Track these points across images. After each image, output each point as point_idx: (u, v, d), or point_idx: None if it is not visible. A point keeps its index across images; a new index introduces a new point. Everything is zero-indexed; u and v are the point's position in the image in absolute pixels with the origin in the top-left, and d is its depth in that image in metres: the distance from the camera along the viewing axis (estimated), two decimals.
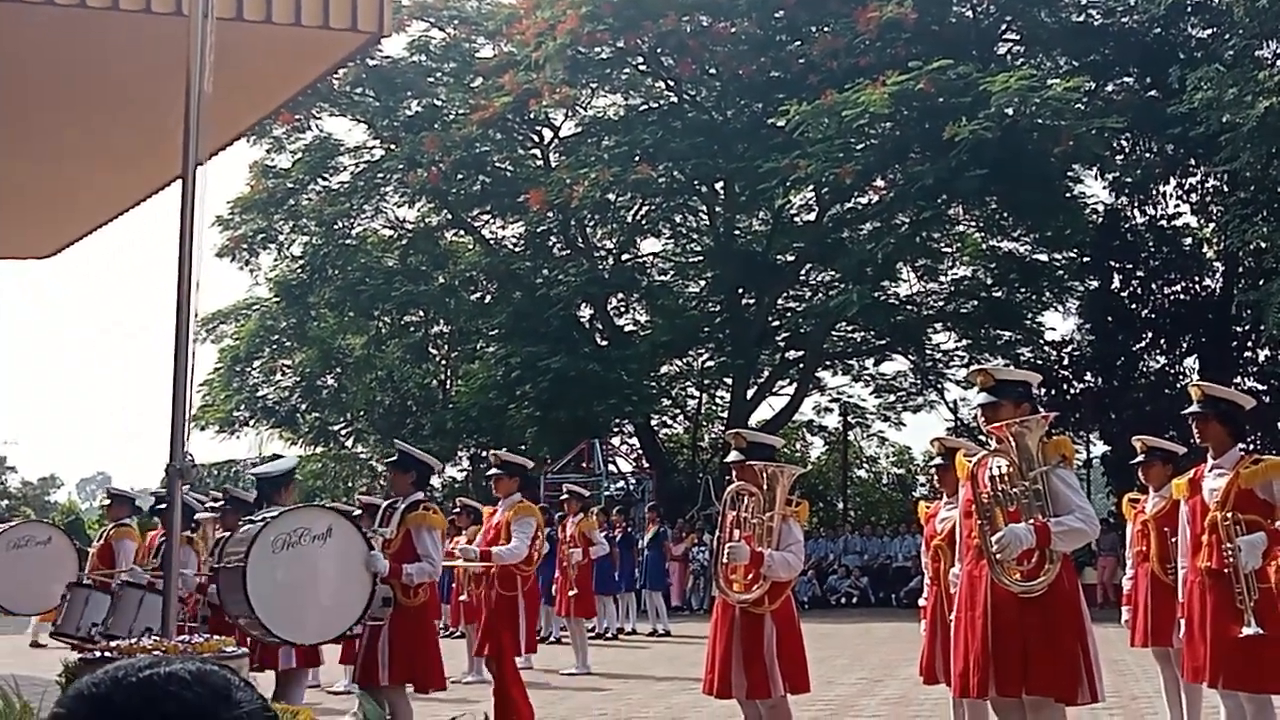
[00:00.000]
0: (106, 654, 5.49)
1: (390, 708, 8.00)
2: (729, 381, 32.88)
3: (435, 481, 30.04)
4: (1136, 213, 31.27)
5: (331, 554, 7.59)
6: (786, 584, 7.22)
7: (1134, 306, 30.67)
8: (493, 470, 10.03)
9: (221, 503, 10.56)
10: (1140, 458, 8.92)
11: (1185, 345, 30.48)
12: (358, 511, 12.26)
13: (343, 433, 35.65)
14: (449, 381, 35.67)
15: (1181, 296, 30.63)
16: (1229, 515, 6.73)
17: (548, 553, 16.84)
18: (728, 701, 7.47)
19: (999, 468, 6.02)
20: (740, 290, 31.68)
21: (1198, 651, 6.85)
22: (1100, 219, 30.80)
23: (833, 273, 30.91)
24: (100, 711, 1.39)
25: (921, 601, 8.41)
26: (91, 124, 6.79)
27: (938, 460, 8.15)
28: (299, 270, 32.55)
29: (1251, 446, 7.29)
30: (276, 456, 30.76)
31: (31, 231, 9.27)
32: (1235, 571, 6.65)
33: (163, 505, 11.22)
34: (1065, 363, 31.68)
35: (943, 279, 32.82)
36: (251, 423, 34.41)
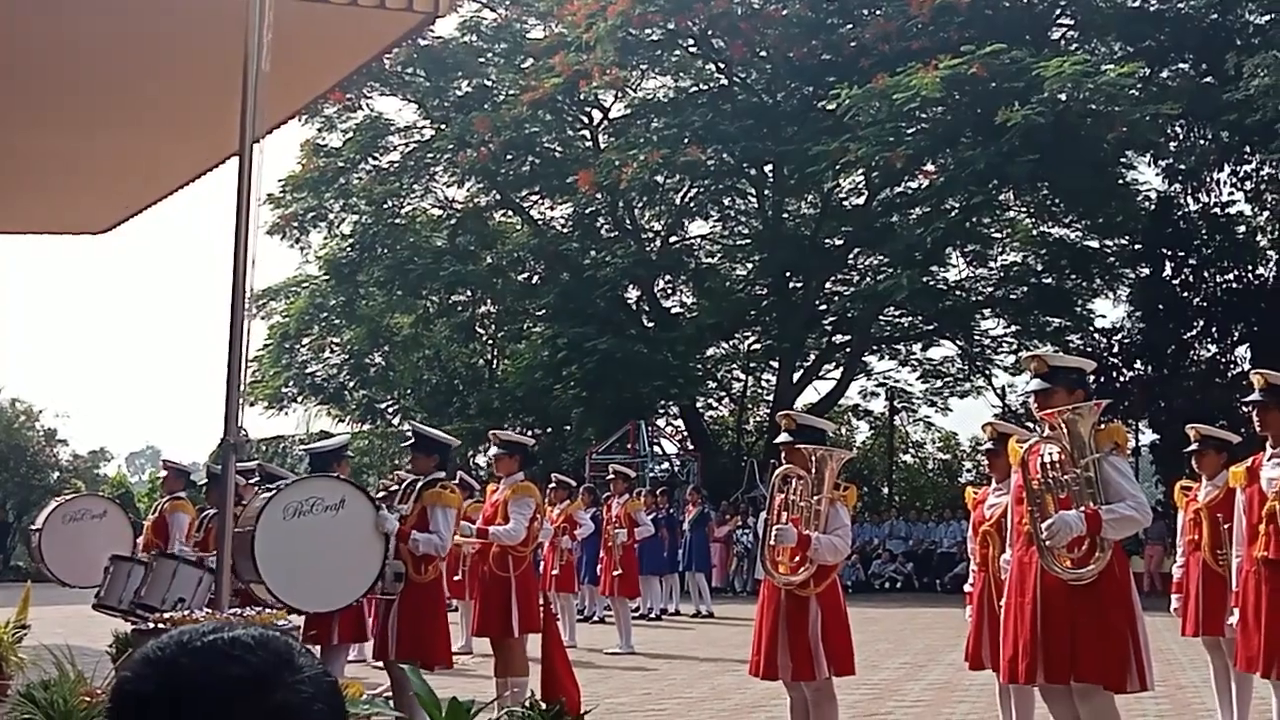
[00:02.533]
0: (160, 625, 5.55)
1: (395, 683, 8.05)
2: (775, 365, 32.83)
3: (481, 460, 30.15)
4: (1189, 200, 30.95)
5: (344, 524, 7.61)
6: (833, 567, 7.21)
7: (1185, 295, 30.36)
8: (494, 450, 10.01)
9: (256, 479, 10.64)
10: (1194, 446, 8.84)
11: (1236, 334, 30.16)
12: (395, 487, 12.31)
13: (390, 411, 35.83)
14: (496, 361, 35.80)
15: (1234, 285, 30.30)
16: None
17: (592, 533, 16.97)
18: (772, 683, 7.47)
19: (1051, 454, 5.99)
20: (788, 273, 31.60)
21: (1252, 641, 6.80)
22: (1153, 206, 30.51)
23: (881, 257, 30.79)
24: (166, 675, 1.41)
25: (968, 587, 8.37)
26: (148, 99, 6.83)
27: (989, 445, 8.10)
28: (348, 249, 32.73)
29: None
30: (324, 434, 30.97)
31: (86, 207, 9.34)
32: None
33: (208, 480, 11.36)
34: (1115, 350, 31.41)
35: (992, 265, 32.63)
36: (300, 399, 34.67)
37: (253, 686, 1.41)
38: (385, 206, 32.62)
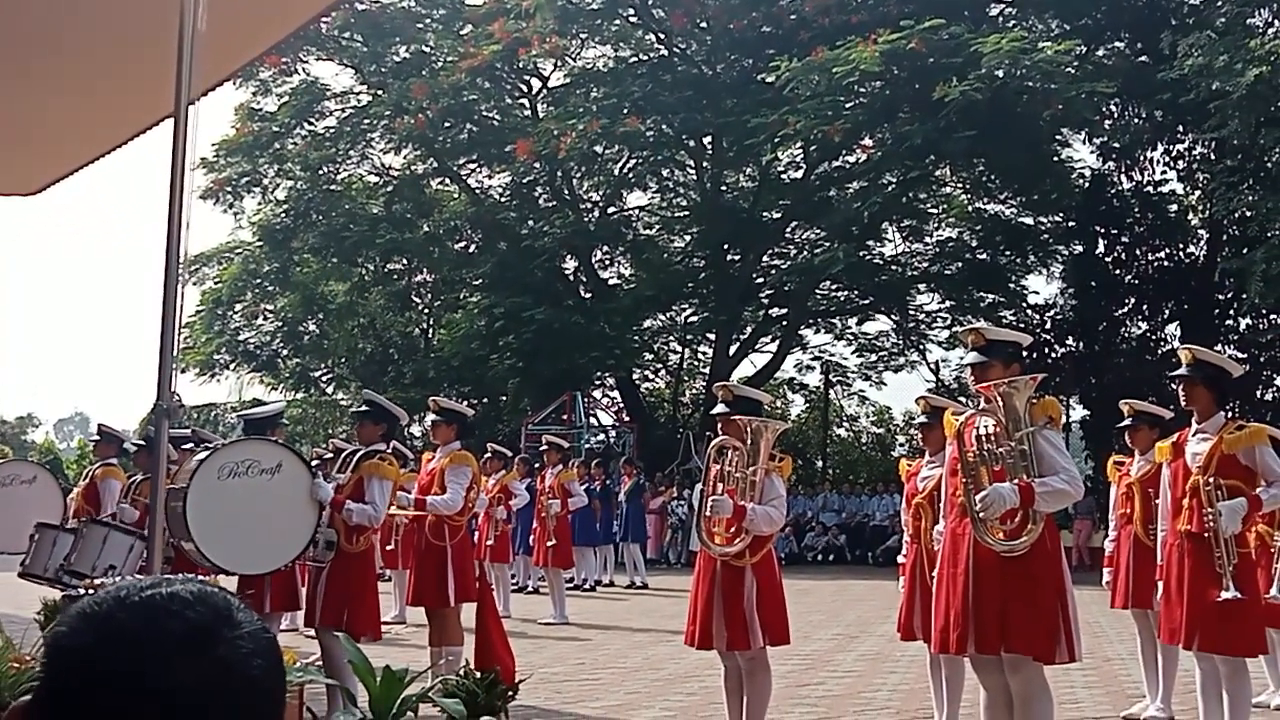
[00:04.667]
0: (92, 591, 5.48)
1: (323, 650, 8.01)
2: (712, 337, 32.91)
3: (416, 430, 30.05)
4: (1123, 178, 31.31)
5: (279, 489, 7.56)
6: (768, 538, 7.23)
7: (1117, 272, 30.73)
8: (432, 417, 9.94)
9: (190, 445, 10.52)
10: (1127, 421, 8.95)
11: (1167, 312, 30.59)
12: (329, 455, 12.24)
13: (324, 379, 35.63)
14: (431, 330, 35.65)
15: (1165, 263, 30.70)
16: (1210, 480, 6.77)
17: (527, 503, 16.95)
18: (706, 653, 7.50)
19: (986, 427, 6.03)
20: (726, 246, 31.65)
21: (1175, 614, 6.90)
22: (1087, 184, 30.84)
23: (819, 231, 30.91)
24: (103, 630, 1.40)
25: (901, 559, 8.44)
26: (81, 57, 6.70)
27: (922, 418, 8.15)
28: (283, 215, 32.43)
29: (1230, 414, 7.31)
30: (257, 401, 30.73)
31: (16, 167, 9.15)
32: (1215, 536, 6.69)
33: (142, 443, 11.23)
34: (1047, 326, 31.78)
35: (928, 240, 32.87)
36: (232, 366, 34.39)
37: (190, 642, 1.39)
38: (321, 172, 32.34)
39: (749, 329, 32.88)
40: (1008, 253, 32.09)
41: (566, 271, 32.65)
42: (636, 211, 34.29)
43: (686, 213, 33.70)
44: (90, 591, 5.44)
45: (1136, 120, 30.03)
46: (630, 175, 32.87)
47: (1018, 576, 5.91)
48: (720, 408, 7.43)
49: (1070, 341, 31.62)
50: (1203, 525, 6.76)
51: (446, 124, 30.97)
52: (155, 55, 5.81)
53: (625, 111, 28.90)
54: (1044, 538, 5.95)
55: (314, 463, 9.42)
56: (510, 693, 6.74)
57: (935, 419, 7.59)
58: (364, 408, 8.77)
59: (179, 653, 1.38)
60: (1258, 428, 6.99)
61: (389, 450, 8.52)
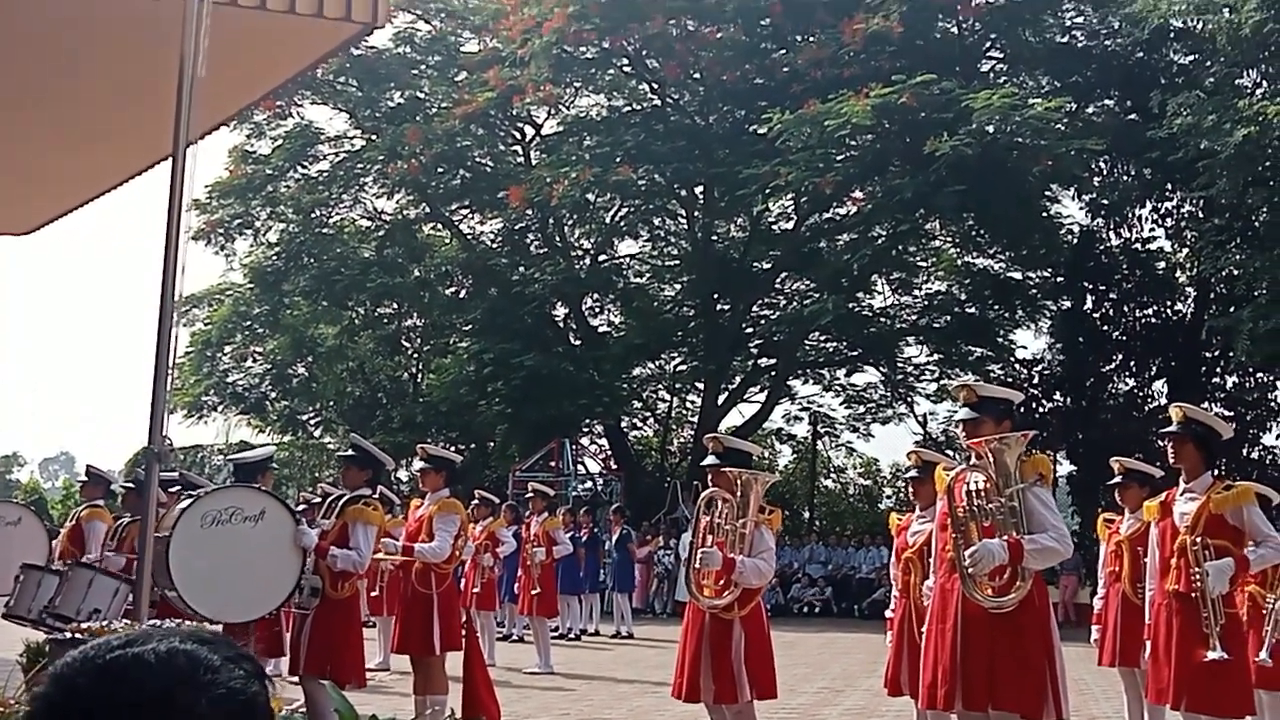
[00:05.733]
0: (77, 635, 5.45)
1: (307, 697, 7.98)
2: (700, 386, 32.89)
3: (402, 475, 29.97)
4: (1112, 235, 31.43)
5: (262, 536, 7.57)
6: (757, 590, 7.24)
7: (1105, 328, 30.81)
8: (419, 464, 9.93)
9: (178, 488, 10.49)
10: (1118, 479, 8.96)
11: (1155, 368, 30.64)
12: (316, 500, 12.21)
13: (312, 422, 35.53)
14: (420, 375, 35.62)
15: (1153, 320, 30.79)
16: (1198, 540, 6.78)
17: (513, 551, 16.90)
18: (692, 705, 7.48)
19: (976, 483, 6.05)
20: (715, 296, 31.70)
21: (1162, 673, 6.90)
22: (1075, 240, 30.95)
23: (808, 282, 30.98)
24: (66, 694, 1.40)
25: (889, 613, 8.43)
26: (80, 101, 6.75)
27: (913, 472, 8.16)
28: (274, 257, 32.42)
29: (1217, 472, 7.33)
30: (245, 444, 30.64)
31: (12, 207, 9.19)
32: (1203, 596, 6.70)
33: (131, 485, 11.19)
34: (1035, 381, 31.79)
35: (917, 293, 32.95)
36: (220, 409, 34.27)
37: (144, 710, 1.38)
38: (313, 216, 32.37)
39: (738, 379, 32.86)
40: (996, 307, 32.17)
41: (556, 318, 32.67)
42: (627, 260, 34.35)
43: (677, 262, 33.77)
44: (76, 635, 5.41)
45: (1125, 178, 30.16)
46: (621, 223, 32.95)
47: (1006, 633, 5.92)
48: (710, 459, 7.45)
49: (1058, 397, 31.65)
50: (1190, 585, 6.78)
51: (439, 169, 31.05)
52: (155, 99, 5.84)
53: (618, 160, 28.98)
54: (1033, 595, 5.96)
55: (300, 508, 9.40)
56: None
57: (926, 473, 7.60)
58: (350, 452, 8.76)
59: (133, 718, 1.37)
60: (1245, 487, 7.01)
61: (374, 495, 8.50)
